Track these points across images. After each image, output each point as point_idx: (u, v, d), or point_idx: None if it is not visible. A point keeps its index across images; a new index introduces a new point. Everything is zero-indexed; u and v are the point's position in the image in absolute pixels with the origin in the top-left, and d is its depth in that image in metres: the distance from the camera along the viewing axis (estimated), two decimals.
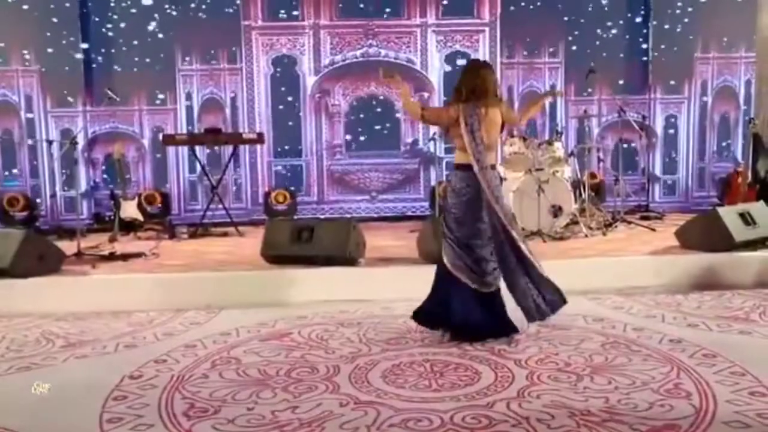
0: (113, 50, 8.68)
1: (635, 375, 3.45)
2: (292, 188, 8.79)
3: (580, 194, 7.36)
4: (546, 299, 4.07)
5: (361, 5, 8.89)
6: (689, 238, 5.90)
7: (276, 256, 5.62)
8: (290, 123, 8.95)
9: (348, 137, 9.07)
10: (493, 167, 4.13)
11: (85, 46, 8.60)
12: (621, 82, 9.01)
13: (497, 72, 8.64)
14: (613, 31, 9.04)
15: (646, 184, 9.15)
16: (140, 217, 7.80)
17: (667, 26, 8.95)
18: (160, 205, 8.39)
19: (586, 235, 6.79)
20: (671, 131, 9.17)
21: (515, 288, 4.05)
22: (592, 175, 8.05)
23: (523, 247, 4.04)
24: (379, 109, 9.08)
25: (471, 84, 4.11)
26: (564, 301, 4.12)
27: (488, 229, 4.06)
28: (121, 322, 4.77)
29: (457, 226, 4.08)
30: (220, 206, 7.87)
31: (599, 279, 5.37)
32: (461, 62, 8.42)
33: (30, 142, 8.54)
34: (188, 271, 5.63)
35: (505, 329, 4.06)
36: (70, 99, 8.56)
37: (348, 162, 9.09)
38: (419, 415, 3.01)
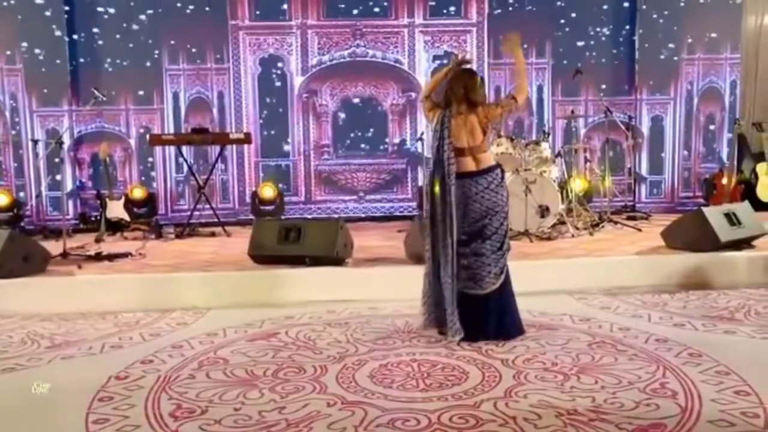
0: (99, 50, 8.62)
1: (622, 374, 3.47)
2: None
3: (567, 194, 7.40)
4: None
5: (345, 5, 8.88)
6: (675, 239, 5.93)
7: (263, 257, 5.60)
8: (277, 123, 8.93)
9: (335, 137, 9.05)
10: (478, 173, 4.14)
11: (72, 40, 8.52)
12: (607, 83, 9.00)
13: (484, 72, 8.74)
14: (600, 32, 9.07)
15: (632, 184, 9.19)
16: (126, 217, 7.76)
17: (653, 27, 8.97)
18: (145, 196, 8.30)
19: (573, 235, 6.82)
20: (657, 132, 9.21)
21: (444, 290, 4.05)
22: (584, 184, 8.07)
23: (450, 270, 4.00)
24: (366, 110, 9.06)
25: (445, 89, 4.17)
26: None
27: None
28: (108, 322, 4.75)
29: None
30: (207, 206, 7.85)
31: (586, 279, 5.41)
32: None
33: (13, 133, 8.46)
34: (175, 272, 5.60)
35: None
36: (53, 100, 8.50)
37: (335, 162, 9.07)
38: (407, 414, 3.01)
